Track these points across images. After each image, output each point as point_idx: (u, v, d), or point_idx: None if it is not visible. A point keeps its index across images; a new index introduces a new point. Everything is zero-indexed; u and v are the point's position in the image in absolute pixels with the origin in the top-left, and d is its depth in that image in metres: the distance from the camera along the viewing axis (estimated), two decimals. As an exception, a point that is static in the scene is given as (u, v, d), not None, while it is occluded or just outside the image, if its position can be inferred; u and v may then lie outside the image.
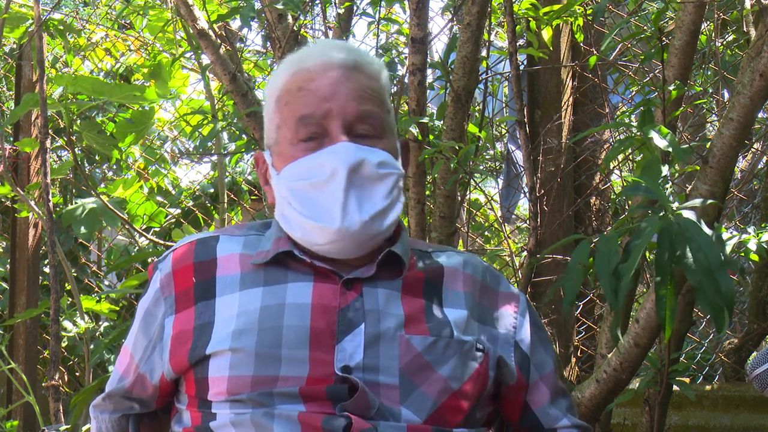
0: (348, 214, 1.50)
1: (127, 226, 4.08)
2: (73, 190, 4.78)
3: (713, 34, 3.18)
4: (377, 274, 1.55)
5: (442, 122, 2.59)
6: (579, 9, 2.79)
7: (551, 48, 3.27)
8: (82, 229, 3.60)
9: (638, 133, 2.02)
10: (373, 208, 1.51)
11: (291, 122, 1.56)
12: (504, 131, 4.13)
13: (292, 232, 1.56)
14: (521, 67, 3.31)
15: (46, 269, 3.91)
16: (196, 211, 4.78)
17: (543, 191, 3.27)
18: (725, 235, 2.08)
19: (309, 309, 1.50)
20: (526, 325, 1.64)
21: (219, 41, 2.92)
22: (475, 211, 4.46)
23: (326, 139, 1.53)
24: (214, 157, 4.54)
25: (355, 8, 3.02)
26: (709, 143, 2.20)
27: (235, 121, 3.03)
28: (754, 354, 3.30)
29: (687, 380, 3.28)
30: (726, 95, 3.74)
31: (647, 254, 1.81)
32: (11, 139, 4.13)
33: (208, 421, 1.51)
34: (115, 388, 1.64)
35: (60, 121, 4.38)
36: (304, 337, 1.48)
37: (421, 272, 1.59)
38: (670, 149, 1.93)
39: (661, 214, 1.63)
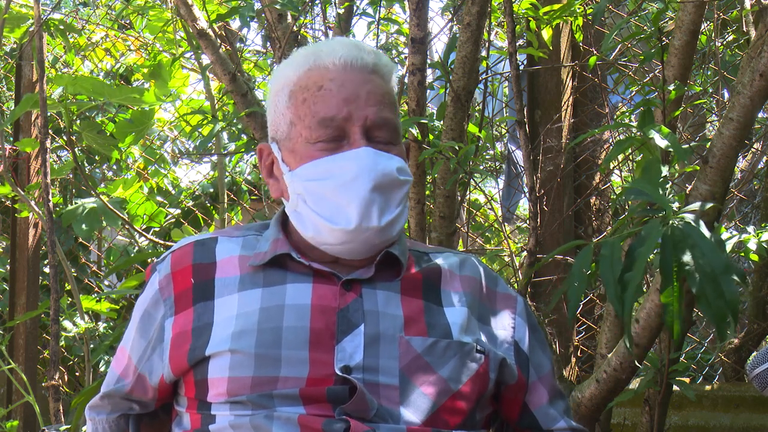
0: (367, 218, 1.50)
1: (127, 226, 4.08)
2: (73, 190, 4.79)
3: (713, 34, 3.17)
4: (376, 275, 1.55)
5: (441, 122, 2.59)
6: (579, 9, 2.78)
7: (551, 48, 3.27)
8: (83, 227, 3.60)
9: (638, 134, 2.02)
10: (390, 215, 1.52)
11: (309, 121, 1.54)
12: (504, 131, 4.13)
13: (303, 229, 1.56)
14: (521, 67, 3.31)
15: (46, 269, 3.91)
16: (196, 211, 4.78)
17: (543, 191, 3.27)
18: (724, 236, 2.08)
19: (308, 310, 1.50)
20: (524, 326, 1.64)
21: (219, 41, 2.92)
22: (475, 211, 4.46)
23: (345, 142, 1.53)
24: (214, 157, 4.54)
25: (355, 8, 3.02)
26: (709, 143, 2.20)
27: (235, 121, 3.03)
28: (754, 354, 3.30)
29: (687, 380, 3.28)
30: (726, 95, 3.73)
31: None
32: (11, 139, 4.13)
33: (207, 424, 1.51)
34: (114, 389, 1.63)
35: (60, 121, 4.38)
36: (304, 338, 1.48)
37: (419, 273, 1.59)
38: (671, 149, 1.92)
39: (663, 216, 1.62)
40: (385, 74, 1.58)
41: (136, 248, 4.70)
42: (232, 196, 4.64)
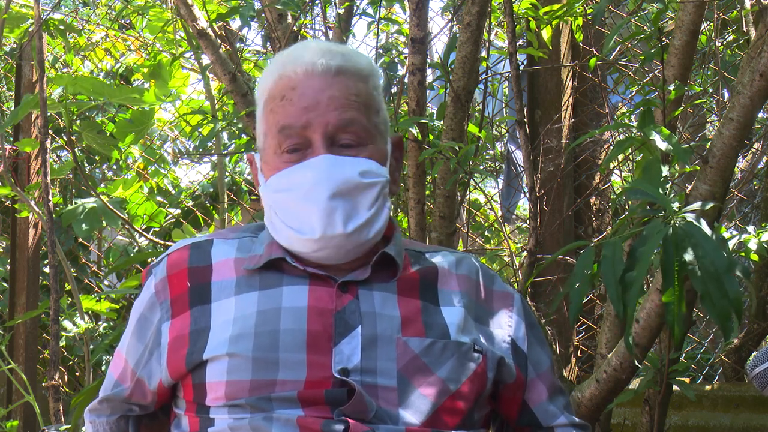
0: (331, 226, 1.49)
1: (127, 226, 4.08)
2: (73, 190, 4.79)
3: (713, 34, 3.17)
4: (372, 276, 1.55)
5: (441, 122, 2.59)
6: (579, 9, 2.78)
7: (551, 48, 3.27)
8: (83, 227, 3.60)
9: (638, 134, 2.02)
10: (358, 220, 1.51)
11: (274, 132, 1.54)
12: (504, 131, 4.13)
13: (279, 239, 1.56)
14: (521, 67, 3.31)
15: (46, 269, 3.92)
16: (196, 211, 4.78)
17: (543, 191, 3.27)
18: (724, 235, 2.08)
19: (305, 312, 1.50)
20: (522, 324, 1.63)
21: (219, 41, 2.92)
22: (475, 211, 4.45)
23: (309, 151, 1.52)
24: (214, 157, 4.54)
25: (355, 8, 3.02)
26: (709, 143, 2.20)
27: (235, 121, 3.03)
28: (754, 354, 3.30)
29: (687, 380, 3.27)
30: (726, 95, 3.73)
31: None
32: (11, 139, 4.13)
33: (206, 427, 1.51)
34: (113, 393, 1.63)
35: (60, 121, 4.39)
36: (301, 341, 1.48)
37: (415, 273, 1.59)
38: (671, 150, 1.92)
39: (664, 215, 1.62)
40: (354, 74, 1.54)
41: (136, 248, 4.70)
42: (232, 196, 4.64)
